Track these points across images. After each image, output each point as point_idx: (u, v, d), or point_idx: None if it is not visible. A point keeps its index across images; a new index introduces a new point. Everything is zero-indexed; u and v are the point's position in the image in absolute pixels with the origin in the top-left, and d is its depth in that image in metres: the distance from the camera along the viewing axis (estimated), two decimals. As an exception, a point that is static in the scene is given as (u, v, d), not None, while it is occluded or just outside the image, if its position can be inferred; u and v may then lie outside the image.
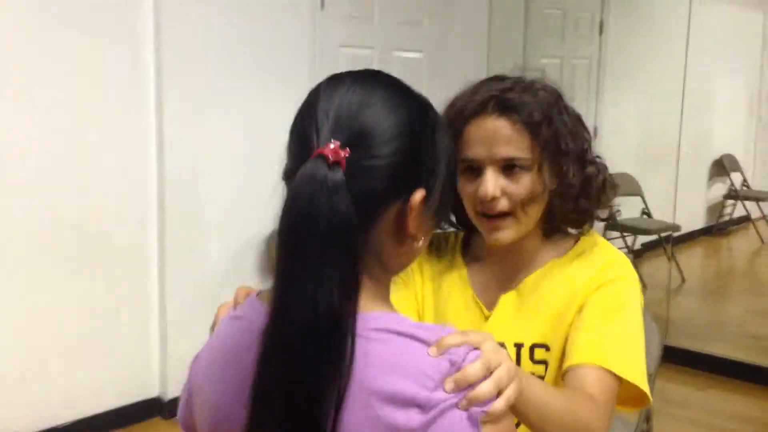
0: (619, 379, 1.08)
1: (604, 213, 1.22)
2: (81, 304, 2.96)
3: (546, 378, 1.16)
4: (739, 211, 7.02)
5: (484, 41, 4.30)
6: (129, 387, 3.14)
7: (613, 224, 5.34)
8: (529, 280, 1.20)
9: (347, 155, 0.75)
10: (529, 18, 4.55)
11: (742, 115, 7.08)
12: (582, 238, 1.22)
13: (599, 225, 5.23)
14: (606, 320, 1.11)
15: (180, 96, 3.05)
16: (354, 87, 0.79)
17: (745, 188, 6.90)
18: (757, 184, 7.00)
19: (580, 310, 1.14)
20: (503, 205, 1.12)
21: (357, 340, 0.74)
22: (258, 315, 0.81)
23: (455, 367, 0.75)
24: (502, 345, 1.17)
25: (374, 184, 0.76)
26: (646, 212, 5.43)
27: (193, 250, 3.21)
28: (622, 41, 5.23)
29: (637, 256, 5.47)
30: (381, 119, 0.78)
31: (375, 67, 3.70)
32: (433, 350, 0.76)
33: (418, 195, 0.79)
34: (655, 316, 4.79)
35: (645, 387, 1.10)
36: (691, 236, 6.36)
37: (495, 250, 1.22)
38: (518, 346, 1.18)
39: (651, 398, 1.11)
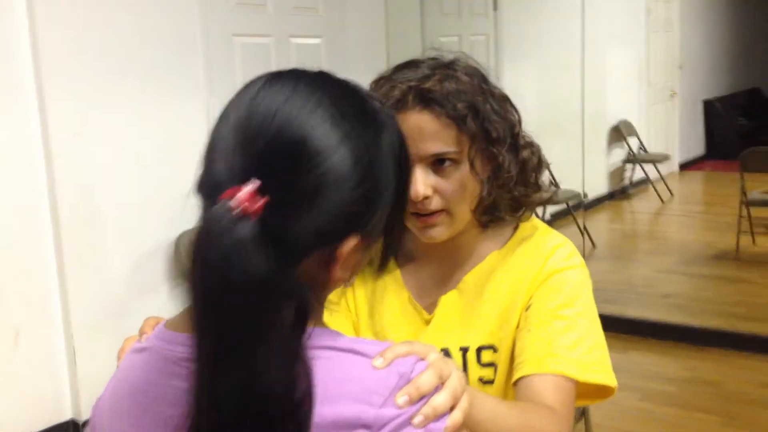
0: (576, 380, 1.02)
1: (544, 196, 1.14)
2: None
3: (496, 381, 1.09)
4: (637, 175, 7.27)
5: (381, 23, 4.22)
6: (38, 413, 2.92)
7: (522, 197, 5.42)
8: (470, 278, 1.13)
9: (266, 202, 0.62)
10: (424, -3, 4.52)
11: (633, 83, 7.31)
12: (521, 225, 1.15)
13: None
14: (555, 321, 1.04)
15: (63, 98, 2.83)
16: (290, 101, 0.65)
17: (642, 152, 7.14)
18: (652, 147, 7.26)
19: (526, 308, 1.07)
20: (436, 203, 1.04)
21: None
22: (170, 344, 0.71)
23: (404, 379, 0.67)
24: (446, 351, 1.10)
25: (298, 236, 0.64)
26: (552, 182, 5.51)
27: (94, 260, 3.01)
28: (517, 16, 5.27)
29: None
30: (319, 157, 0.64)
31: (272, 55, 3.58)
32: (378, 362, 0.67)
33: (349, 245, 0.68)
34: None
35: (607, 380, 1.04)
36: (596, 202, 6.53)
37: (429, 248, 1.14)
38: (464, 350, 1.10)
39: (616, 384, 1.05)
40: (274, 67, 0.72)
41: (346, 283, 0.73)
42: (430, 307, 1.14)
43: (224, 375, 0.61)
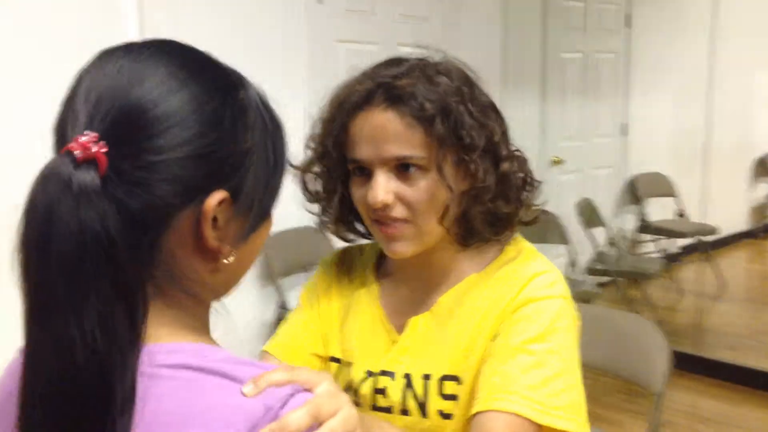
0: (537, 424, 0.88)
1: (528, 215, 1.02)
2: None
3: (456, 416, 0.97)
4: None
5: (498, 35, 4.09)
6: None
7: (645, 226, 5.08)
8: (444, 300, 1.02)
9: (104, 150, 0.57)
10: (547, 11, 4.33)
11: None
12: (506, 247, 1.03)
13: (630, 227, 4.85)
14: (520, 355, 0.91)
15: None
16: (126, 59, 0.62)
17: (792, 189, 6.52)
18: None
19: (493, 337, 0.95)
20: (399, 212, 0.95)
21: (139, 380, 0.57)
22: None
23: (271, 413, 0.57)
24: (408, 377, 1.00)
25: (149, 188, 0.58)
26: (681, 214, 5.14)
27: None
28: (650, 34, 4.96)
29: (672, 260, 5.20)
30: (157, 99, 0.60)
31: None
32: (247, 388, 0.58)
33: (214, 198, 0.61)
34: (690, 324, 4.52)
35: (573, 428, 0.89)
36: (733, 239, 6.02)
37: (405, 265, 1.05)
38: (426, 378, 0.99)
39: None
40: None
41: (226, 257, 0.65)
42: (402, 329, 1.04)
43: (37, 334, 0.56)
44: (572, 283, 4.29)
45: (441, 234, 0.98)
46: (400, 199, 0.94)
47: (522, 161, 1.01)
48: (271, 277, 3.23)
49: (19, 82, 2.52)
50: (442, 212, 0.95)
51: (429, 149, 0.93)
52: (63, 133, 0.60)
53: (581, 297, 4.01)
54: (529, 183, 1.01)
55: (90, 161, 0.56)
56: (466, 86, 0.96)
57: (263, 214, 0.68)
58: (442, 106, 0.92)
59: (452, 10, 3.80)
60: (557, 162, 4.50)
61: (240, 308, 3.18)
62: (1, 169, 2.44)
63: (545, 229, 3.95)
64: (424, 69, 0.95)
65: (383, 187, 0.93)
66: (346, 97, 0.96)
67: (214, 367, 0.60)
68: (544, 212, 1.07)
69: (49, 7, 2.60)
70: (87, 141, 0.56)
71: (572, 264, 4.00)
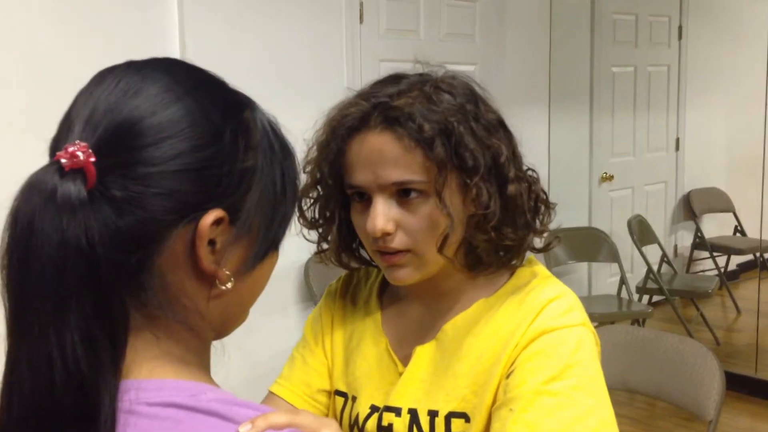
0: None
1: (541, 242, 0.97)
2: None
3: None
4: None
5: (545, 50, 4.02)
6: None
7: (701, 243, 4.92)
8: (450, 327, 0.95)
9: (93, 159, 0.53)
10: (596, 24, 4.24)
11: None
12: (518, 270, 0.97)
13: (685, 244, 4.64)
14: (542, 398, 0.84)
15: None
16: (125, 74, 0.59)
17: None
18: None
19: (507, 374, 0.88)
20: (400, 240, 0.90)
21: (126, 418, 0.54)
22: None
23: None
24: (413, 412, 0.94)
25: (140, 203, 0.55)
26: (739, 230, 4.96)
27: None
28: (704, 46, 4.83)
29: (730, 278, 5.02)
30: (152, 110, 0.56)
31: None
32: (244, 428, 0.55)
33: (210, 217, 0.57)
34: (748, 344, 4.34)
35: None
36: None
37: (412, 291, 0.99)
38: (432, 414, 0.93)
39: None
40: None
41: (224, 283, 0.61)
42: (407, 359, 0.98)
43: (16, 351, 0.54)
44: (624, 304, 4.15)
45: (445, 262, 0.92)
46: (400, 226, 0.89)
47: (533, 180, 0.94)
48: (312, 299, 3.22)
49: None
50: (441, 241, 0.89)
51: (429, 173, 0.87)
52: (56, 147, 0.57)
53: (633, 317, 3.90)
54: (541, 205, 0.95)
55: (77, 171, 0.53)
56: (470, 103, 0.90)
57: (271, 244, 0.64)
58: (442, 126, 0.87)
59: (498, 26, 3.76)
60: (607, 178, 4.40)
61: (280, 332, 3.17)
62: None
63: (595, 248, 3.86)
64: (424, 86, 0.89)
65: (383, 215, 0.88)
66: (341, 120, 0.91)
67: (208, 407, 0.56)
68: (558, 237, 1.01)
69: (100, 45, 2.65)
70: (75, 150, 0.53)
71: (624, 283, 3.89)
